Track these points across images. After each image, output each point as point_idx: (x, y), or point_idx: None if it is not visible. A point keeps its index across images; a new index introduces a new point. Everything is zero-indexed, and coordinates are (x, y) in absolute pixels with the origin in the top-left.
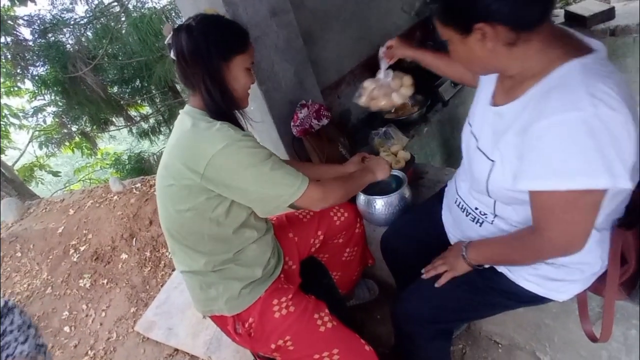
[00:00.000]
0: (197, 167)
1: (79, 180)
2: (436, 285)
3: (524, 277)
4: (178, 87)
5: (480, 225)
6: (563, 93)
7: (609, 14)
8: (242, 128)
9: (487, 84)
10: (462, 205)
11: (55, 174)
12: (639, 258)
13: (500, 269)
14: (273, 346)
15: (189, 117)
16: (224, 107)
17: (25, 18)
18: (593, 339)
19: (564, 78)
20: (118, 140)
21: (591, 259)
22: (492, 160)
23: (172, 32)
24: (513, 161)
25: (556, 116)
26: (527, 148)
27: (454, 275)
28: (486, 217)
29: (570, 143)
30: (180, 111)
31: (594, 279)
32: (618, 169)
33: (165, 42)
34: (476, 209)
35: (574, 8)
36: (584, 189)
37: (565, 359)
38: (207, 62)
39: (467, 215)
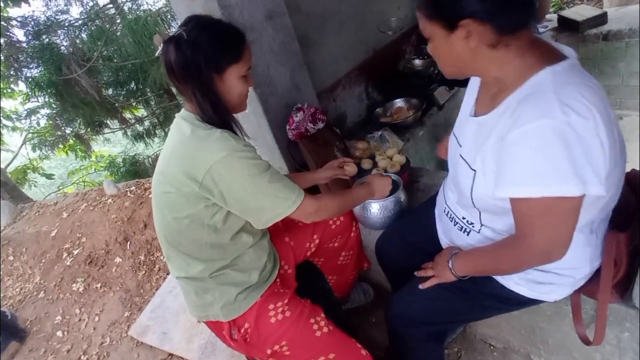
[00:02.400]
0: (196, 176)
1: (73, 183)
2: (420, 286)
3: (515, 280)
4: (173, 89)
5: (467, 235)
6: (535, 101)
7: (602, 18)
8: (237, 134)
9: (469, 95)
10: (451, 215)
11: (49, 176)
12: (630, 260)
13: None
14: (269, 351)
15: (187, 123)
16: (216, 119)
17: (19, 19)
18: (587, 342)
19: (536, 86)
20: (113, 143)
21: (579, 263)
22: (474, 170)
23: (162, 44)
24: (493, 170)
25: (529, 124)
26: (503, 156)
27: (439, 282)
28: (473, 227)
29: (541, 150)
30: (177, 115)
31: (583, 281)
32: (589, 175)
33: (156, 54)
34: (463, 218)
35: (567, 13)
36: (557, 196)
37: None
38: (197, 76)
39: (455, 225)
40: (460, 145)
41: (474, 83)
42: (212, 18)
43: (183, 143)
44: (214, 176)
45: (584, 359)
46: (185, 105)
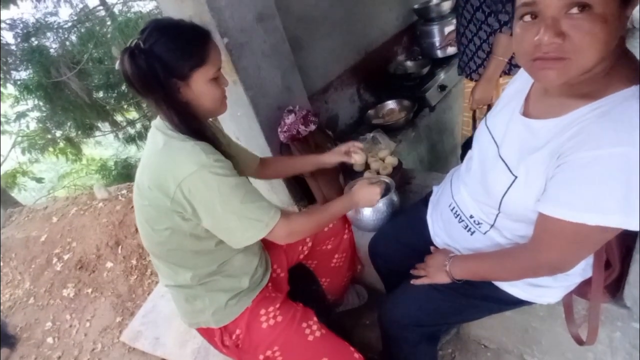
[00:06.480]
0: (167, 191)
1: (64, 187)
2: (412, 282)
3: (509, 282)
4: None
5: (471, 234)
6: (619, 124)
7: None
8: (215, 142)
9: (518, 87)
10: (456, 211)
11: (39, 180)
12: (623, 261)
13: None
14: (261, 357)
15: (160, 134)
16: (185, 130)
17: (8, 22)
18: (579, 341)
19: (621, 107)
20: (104, 146)
21: (579, 267)
22: (515, 176)
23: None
24: (540, 182)
25: (609, 149)
26: (562, 175)
27: (430, 282)
28: (480, 227)
29: (617, 179)
30: (152, 123)
31: (578, 282)
32: None
33: (116, 67)
34: (471, 217)
35: None
36: (609, 227)
37: None
38: (158, 87)
39: (459, 222)
40: (496, 143)
41: (523, 75)
42: (171, 20)
43: (155, 155)
44: (184, 192)
45: (576, 359)
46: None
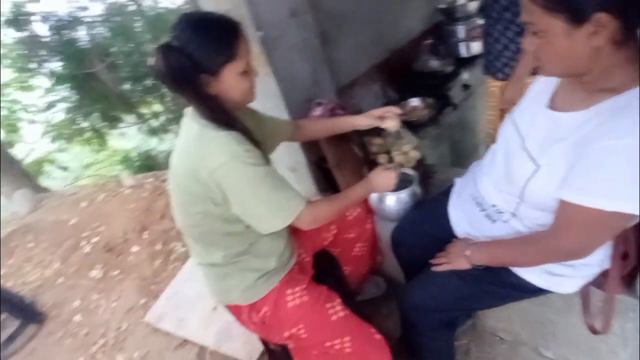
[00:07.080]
0: (200, 178)
1: (87, 177)
2: (432, 269)
3: (528, 270)
4: None
5: (492, 223)
6: (637, 116)
7: None
8: (248, 131)
9: (545, 84)
10: (479, 201)
11: (64, 169)
12: (639, 253)
13: None
14: (286, 334)
15: (194, 121)
16: (216, 122)
17: (42, 14)
18: (594, 331)
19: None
20: (127, 138)
21: (597, 258)
22: (538, 165)
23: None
24: (561, 171)
25: (627, 139)
26: (585, 162)
27: (451, 268)
28: (502, 216)
29: (634, 168)
30: (185, 111)
31: (595, 274)
32: None
33: (148, 63)
34: (493, 206)
35: None
36: (626, 213)
37: (566, 353)
38: (190, 83)
39: (481, 211)
40: (521, 136)
41: None
42: (202, 15)
43: (189, 143)
44: (216, 180)
45: (590, 350)
46: None
